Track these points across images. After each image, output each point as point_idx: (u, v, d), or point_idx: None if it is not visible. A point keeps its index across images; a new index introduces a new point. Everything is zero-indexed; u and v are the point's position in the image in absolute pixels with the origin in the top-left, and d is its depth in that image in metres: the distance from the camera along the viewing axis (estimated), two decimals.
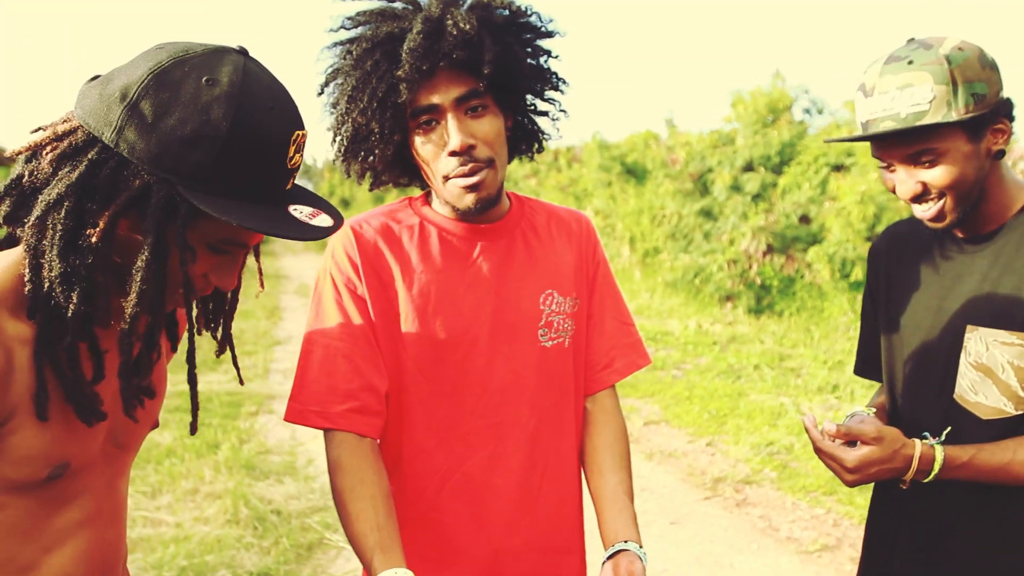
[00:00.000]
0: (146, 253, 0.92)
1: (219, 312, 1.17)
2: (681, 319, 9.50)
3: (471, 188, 1.28)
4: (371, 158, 1.33)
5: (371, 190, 1.43)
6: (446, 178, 1.28)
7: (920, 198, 1.33)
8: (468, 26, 1.20)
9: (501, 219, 1.40)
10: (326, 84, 1.32)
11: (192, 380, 1.12)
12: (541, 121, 1.42)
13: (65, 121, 0.97)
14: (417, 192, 1.46)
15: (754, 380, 6.63)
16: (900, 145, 1.30)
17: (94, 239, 0.91)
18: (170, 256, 0.95)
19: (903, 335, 1.48)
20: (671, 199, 11.36)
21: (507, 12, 1.28)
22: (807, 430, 1.36)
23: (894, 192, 1.36)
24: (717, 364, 7.21)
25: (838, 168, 9.47)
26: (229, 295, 1.17)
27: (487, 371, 1.34)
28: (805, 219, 9.36)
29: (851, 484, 1.31)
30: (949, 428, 1.34)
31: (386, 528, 1.20)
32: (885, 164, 1.35)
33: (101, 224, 0.91)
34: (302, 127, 1.00)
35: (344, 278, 1.33)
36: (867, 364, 1.63)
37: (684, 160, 11.60)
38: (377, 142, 1.29)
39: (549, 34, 1.33)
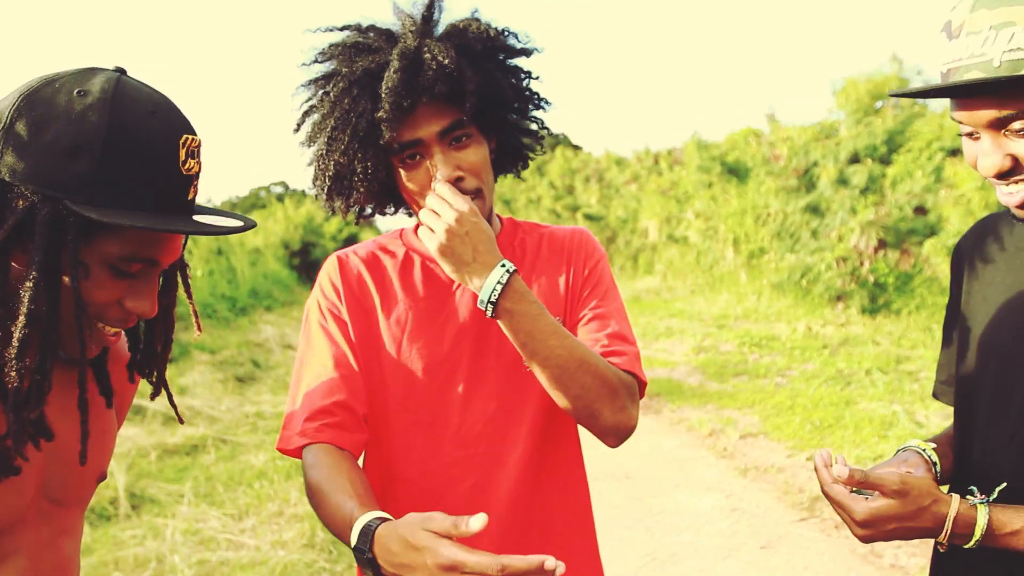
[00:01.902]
0: (33, 271, 0.88)
1: (150, 352, 1.11)
2: (789, 322, 9.00)
3: None
4: (355, 195, 1.30)
5: (356, 223, 1.41)
6: None
7: (1008, 175, 1.01)
8: (447, 59, 1.17)
9: None
10: (302, 121, 1.31)
11: (82, 407, 1.01)
12: (526, 140, 1.39)
13: None
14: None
15: (865, 386, 6.15)
16: (988, 103, 0.98)
17: None
18: (63, 276, 0.90)
19: (979, 357, 1.20)
20: (775, 197, 10.83)
21: (484, 37, 1.24)
22: (816, 470, 1.14)
23: (976, 168, 1.05)
24: (825, 370, 6.74)
25: (954, 153, 8.71)
26: (160, 336, 1.11)
27: (467, 400, 1.30)
28: (920, 210, 8.66)
29: (863, 540, 1.09)
30: (1004, 485, 1.08)
31: (366, 496, 1.10)
32: (968, 131, 1.04)
33: None
34: (191, 132, 0.97)
35: (328, 303, 1.32)
36: (946, 386, 1.35)
37: (787, 156, 11.03)
38: (361, 181, 1.26)
39: (527, 52, 1.30)
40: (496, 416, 1.30)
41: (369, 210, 1.37)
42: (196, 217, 0.96)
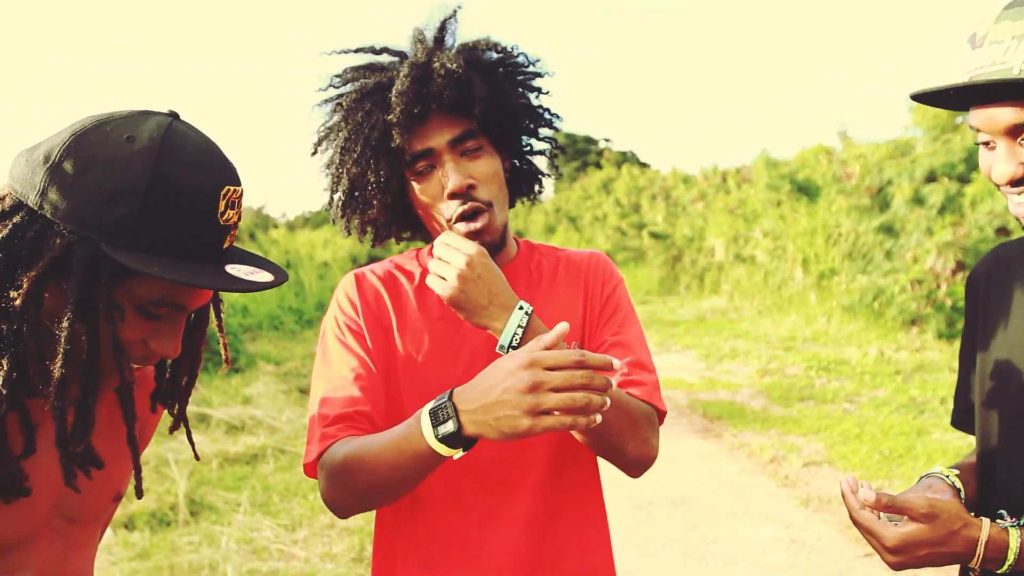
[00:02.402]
0: (69, 312, 0.90)
1: (175, 385, 1.13)
2: (860, 346, 8.66)
3: (473, 236, 1.23)
4: (370, 210, 1.30)
5: (373, 246, 1.40)
6: (450, 221, 1.24)
7: (1021, 183, 1.01)
8: (456, 66, 1.20)
9: (505, 266, 1.34)
10: (319, 143, 1.33)
11: (131, 443, 1.03)
12: (540, 162, 1.39)
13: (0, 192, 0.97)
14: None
15: (940, 415, 5.85)
16: (1006, 109, 0.99)
17: (18, 302, 0.89)
18: (98, 316, 0.92)
19: (998, 383, 1.18)
20: (846, 216, 10.48)
21: (494, 53, 1.27)
22: (843, 496, 1.11)
23: (990, 177, 1.05)
24: (897, 397, 6.45)
25: None
26: (186, 370, 1.12)
27: None
28: (1003, 231, 8.24)
29: (895, 567, 1.07)
30: None
31: None
32: (985, 139, 1.04)
33: (25, 285, 0.89)
34: (234, 183, 0.98)
35: (346, 318, 1.32)
36: (965, 414, 1.33)
37: (859, 174, 10.67)
38: (375, 192, 1.27)
39: (538, 74, 1.32)
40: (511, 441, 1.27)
41: (385, 231, 1.37)
42: (229, 268, 0.98)
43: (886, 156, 10.46)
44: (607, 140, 36.43)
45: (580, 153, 34.08)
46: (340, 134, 1.27)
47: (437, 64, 1.20)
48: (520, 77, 1.30)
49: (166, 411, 1.18)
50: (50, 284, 0.91)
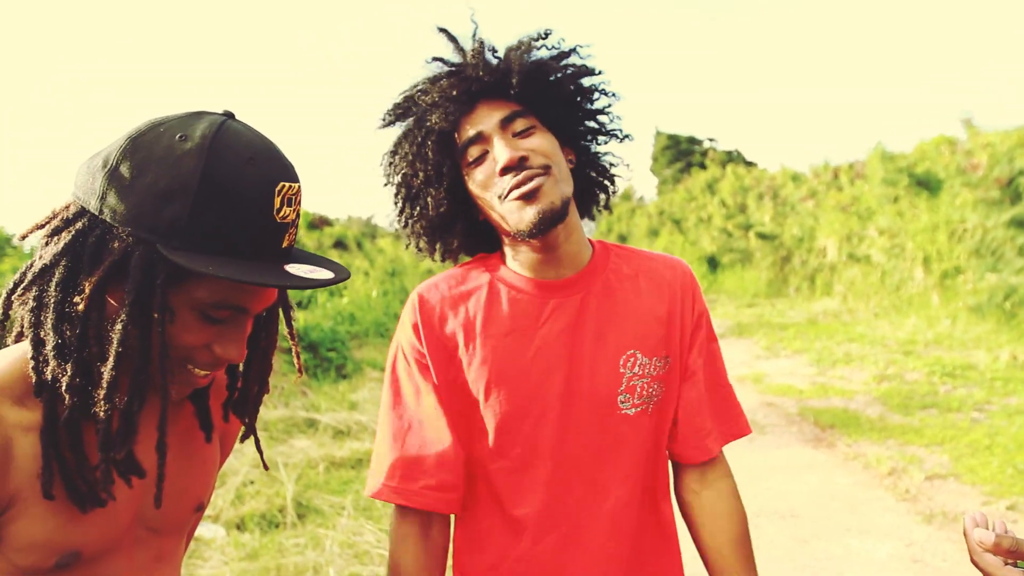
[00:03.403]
0: (124, 315, 0.90)
1: (246, 394, 1.12)
2: (990, 349, 8.04)
3: (527, 197, 1.16)
4: (427, 210, 1.26)
5: (443, 260, 1.36)
6: (502, 198, 1.19)
7: None
8: (490, 49, 1.21)
9: (578, 272, 1.27)
10: (388, 183, 1.31)
11: (160, 448, 1.01)
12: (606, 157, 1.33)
13: (65, 202, 0.99)
14: None
15: None
16: None
17: (80, 307, 0.90)
18: (152, 320, 0.91)
19: None
20: (972, 210, 9.76)
21: (534, 38, 1.24)
22: (965, 534, 0.98)
23: None
24: None
25: None
26: (256, 378, 1.11)
27: (559, 444, 1.22)
28: None
29: None
30: None
31: None
32: None
33: (87, 290, 0.90)
34: (290, 179, 0.96)
35: (411, 348, 1.28)
36: None
37: (987, 164, 9.92)
38: (426, 184, 1.24)
39: (579, 48, 1.26)
40: (589, 460, 1.22)
41: (450, 240, 1.32)
42: (289, 267, 0.96)
43: (1017, 144, 9.67)
44: (711, 140, 35.51)
45: (683, 154, 33.44)
46: (400, 148, 1.26)
47: (472, 50, 1.21)
48: (565, 57, 1.25)
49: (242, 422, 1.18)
50: (112, 289, 0.92)
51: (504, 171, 1.16)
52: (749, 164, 26.96)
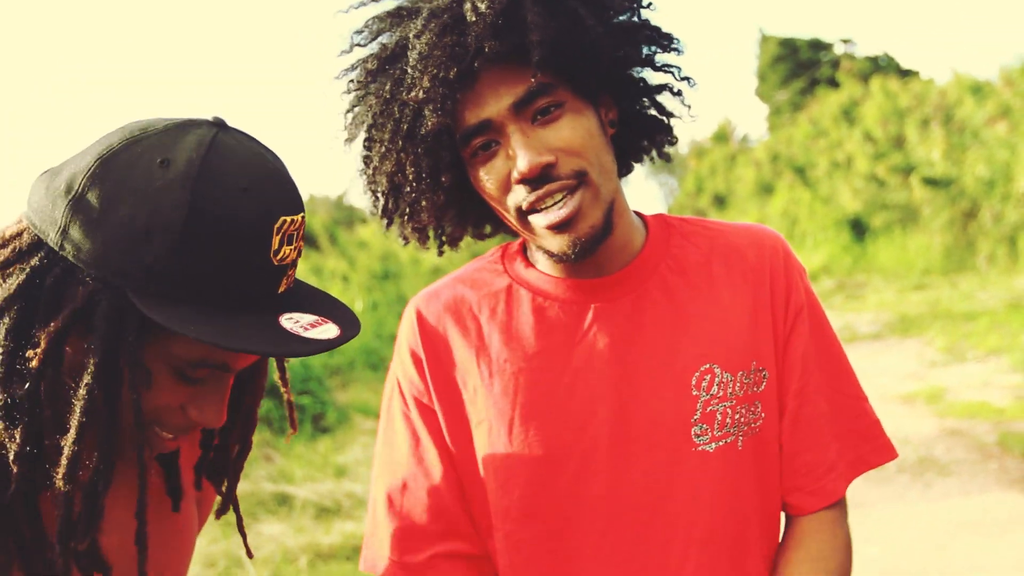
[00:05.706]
0: (88, 377, 1.04)
1: (224, 455, 1.29)
2: None
3: (559, 228, 1.24)
4: (421, 215, 1.35)
5: (440, 254, 1.46)
6: (521, 212, 1.26)
7: None
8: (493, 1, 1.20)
9: (627, 265, 1.35)
10: (348, 135, 1.39)
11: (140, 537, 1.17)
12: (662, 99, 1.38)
13: (17, 223, 1.13)
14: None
15: None
16: None
17: (34, 363, 1.04)
18: (122, 381, 1.06)
19: None
20: None
21: None
22: None
23: None
24: None
25: None
26: (237, 438, 1.28)
27: (613, 496, 1.31)
28: None
29: None
30: None
31: None
32: None
33: (42, 343, 1.04)
34: (291, 211, 1.08)
35: (409, 383, 1.39)
36: None
37: None
38: (420, 191, 1.31)
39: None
40: (654, 514, 1.30)
41: (452, 232, 1.41)
42: (284, 318, 1.08)
43: None
44: (846, 42, 35.10)
45: (804, 66, 33.12)
46: (364, 120, 1.32)
47: (468, 5, 1.21)
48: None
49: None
50: (72, 338, 1.05)
51: (522, 181, 1.23)
52: (905, 74, 26.75)
